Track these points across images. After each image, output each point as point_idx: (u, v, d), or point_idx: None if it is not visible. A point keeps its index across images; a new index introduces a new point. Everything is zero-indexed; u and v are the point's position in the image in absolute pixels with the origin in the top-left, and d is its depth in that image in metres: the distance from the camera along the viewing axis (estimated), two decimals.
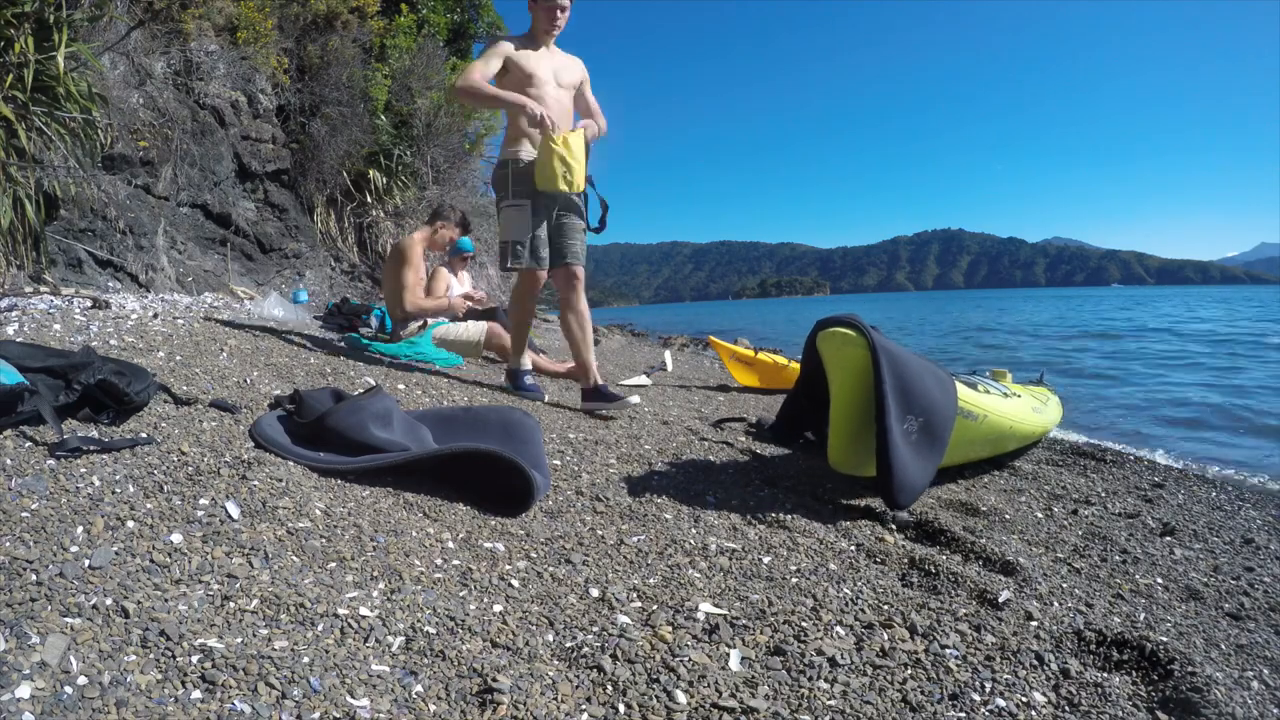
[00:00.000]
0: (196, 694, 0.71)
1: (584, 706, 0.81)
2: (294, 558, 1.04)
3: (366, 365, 2.89)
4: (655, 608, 1.12)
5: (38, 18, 3.18)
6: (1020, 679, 1.04)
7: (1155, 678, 1.09)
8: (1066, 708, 1.00)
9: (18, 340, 1.76)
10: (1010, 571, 1.45)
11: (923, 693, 0.95)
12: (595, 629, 1.00)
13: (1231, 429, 4.38)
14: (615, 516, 1.55)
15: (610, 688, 0.85)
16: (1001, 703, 0.97)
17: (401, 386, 2.66)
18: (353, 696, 0.75)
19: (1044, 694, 1.01)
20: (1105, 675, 1.07)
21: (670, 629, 1.05)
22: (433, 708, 0.77)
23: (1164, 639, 1.18)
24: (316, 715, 0.71)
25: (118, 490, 1.09)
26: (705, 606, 1.14)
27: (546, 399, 2.80)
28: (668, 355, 5.76)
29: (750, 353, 4.61)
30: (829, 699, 0.90)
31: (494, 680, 0.83)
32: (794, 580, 1.31)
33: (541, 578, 1.19)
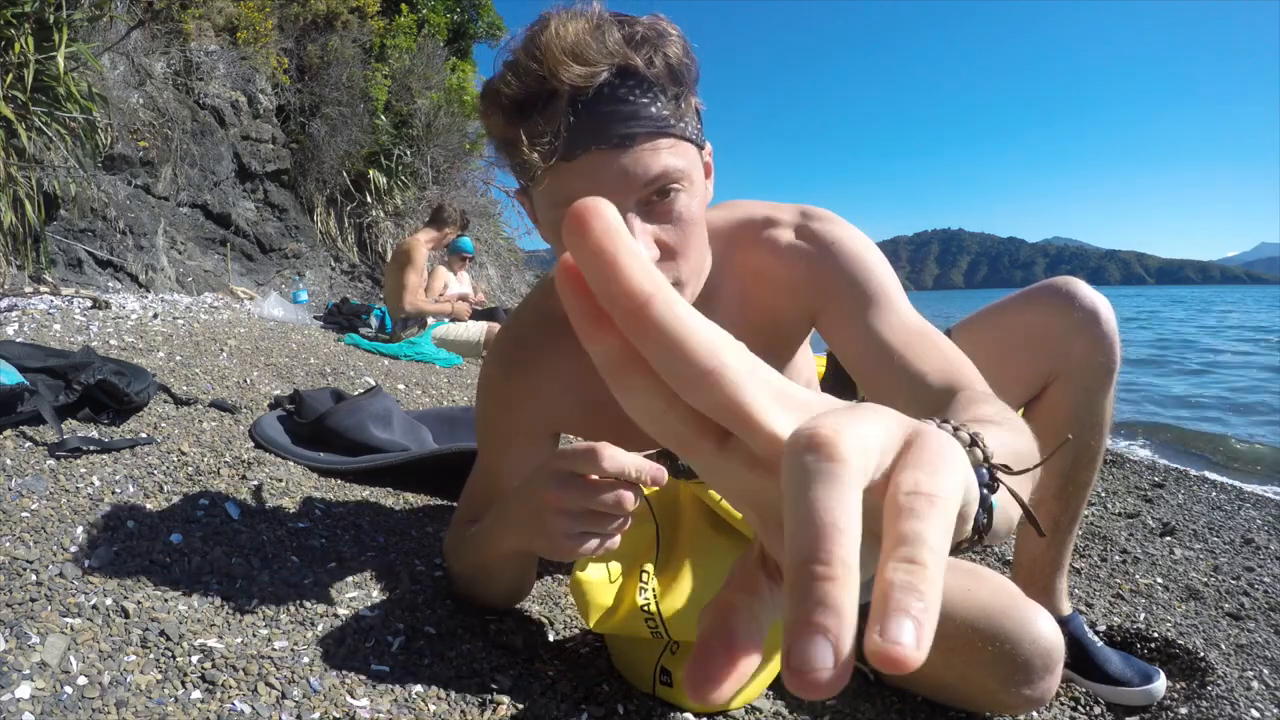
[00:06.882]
0: (196, 694, 0.71)
1: (584, 706, 0.81)
2: (294, 558, 1.04)
3: (366, 365, 2.89)
4: None
5: (38, 18, 3.19)
6: None
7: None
8: (1068, 706, 1.00)
9: (18, 340, 1.76)
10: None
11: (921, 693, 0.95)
12: None
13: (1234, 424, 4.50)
14: None
15: (608, 686, 0.85)
16: None
17: (401, 386, 2.66)
18: (353, 696, 0.75)
19: None
20: None
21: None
22: (433, 708, 0.77)
23: (1169, 634, 1.18)
24: (316, 715, 0.71)
25: (118, 490, 1.09)
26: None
27: None
28: None
29: None
30: (828, 699, 0.90)
31: (494, 680, 0.83)
32: None
33: (542, 577, 1.19)
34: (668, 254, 0.73)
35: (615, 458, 0.65)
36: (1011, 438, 0.52)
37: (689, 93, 0.72)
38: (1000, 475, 0.40)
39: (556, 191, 0.71)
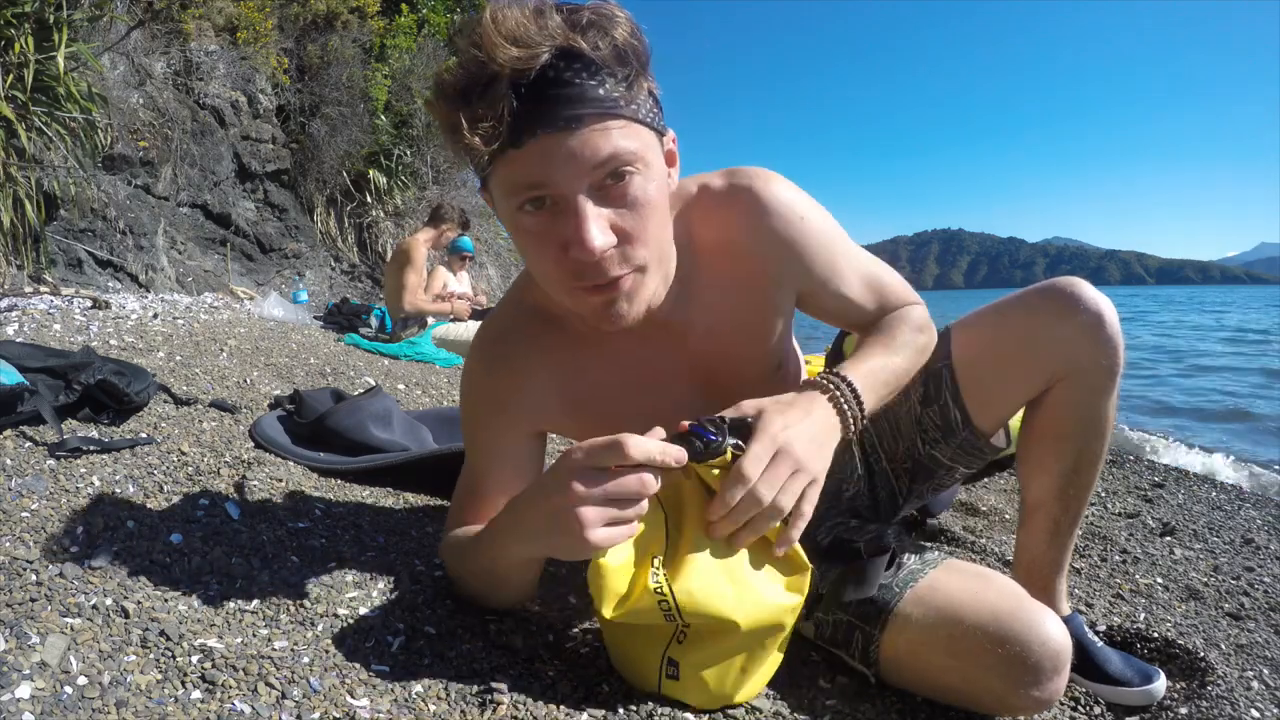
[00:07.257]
0: (196, 694, 0.71)
1: (584, 706, 0.81)
2: (294, 558, 1.04)
3: (366, 365, 2.89)
4: None
5: (38, 18, 3.19)
6: None
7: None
8: (1068, 706, 1.00)
9: (18, 340, 1.76)
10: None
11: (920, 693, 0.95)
12: (596, 626, 1.00)
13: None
14: None
15: (608, 686, 0.85)
16: None
17: (401, 386, 2.66)
18: (353, 696, 0.75)
19: None
20: None
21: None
22: (433, 708, 0.77)
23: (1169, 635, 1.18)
24: (316, 715, 0.71)
25: (118, 490, 1.09)
26: None
27: None
28: None
29: None
30: (828, 699, 0.90)
31: (494, 680, 0.83)
32: None
33: (541, 576, 1.19)
34: (624, 239, 0.71)
35: (641, 445, 0.68)
36: (879, 363, 0.87)
37: (640, 75, 0.70)
38: (857, 385, 0.83)
39: (509, 179, 0.69)
